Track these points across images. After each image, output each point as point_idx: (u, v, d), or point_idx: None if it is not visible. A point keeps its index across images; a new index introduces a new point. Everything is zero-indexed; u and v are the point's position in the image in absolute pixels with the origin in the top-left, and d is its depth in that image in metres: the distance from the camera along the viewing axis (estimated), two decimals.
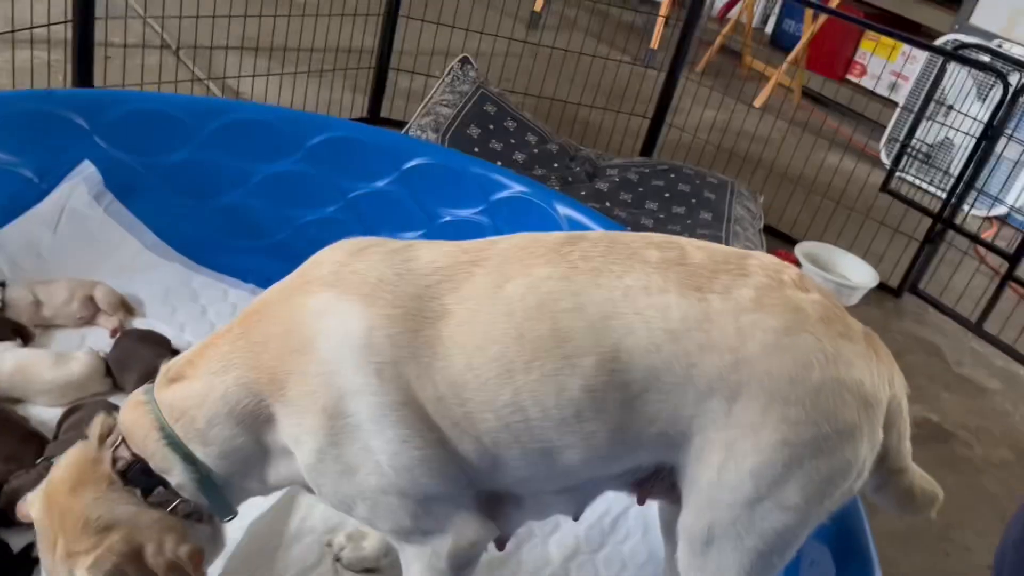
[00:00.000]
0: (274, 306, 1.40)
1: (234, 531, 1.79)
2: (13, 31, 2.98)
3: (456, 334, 1.32)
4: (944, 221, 3.96)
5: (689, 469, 1.38)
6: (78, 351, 2.13)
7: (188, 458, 1.38)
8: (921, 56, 5.44)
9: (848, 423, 1.32)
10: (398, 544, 1.46)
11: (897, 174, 4.38)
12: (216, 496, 1.43)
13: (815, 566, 1.73)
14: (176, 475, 1.39)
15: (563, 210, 2.72)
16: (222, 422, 1.37)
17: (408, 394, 1.31)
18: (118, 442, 1.39)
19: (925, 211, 4.11)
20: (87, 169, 2.51)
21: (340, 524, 1.94)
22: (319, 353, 1.32)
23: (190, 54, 4.03)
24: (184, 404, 1.38)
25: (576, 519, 1.61)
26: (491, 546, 1.96)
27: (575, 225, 2.68)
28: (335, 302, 1.34)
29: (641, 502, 1.58)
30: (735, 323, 1.30)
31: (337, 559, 1.85)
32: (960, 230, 4.02)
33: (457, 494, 1.39)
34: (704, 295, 1.32)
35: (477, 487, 1.41)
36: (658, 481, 1.47)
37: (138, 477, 1.38)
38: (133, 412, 1.41)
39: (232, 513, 1.49)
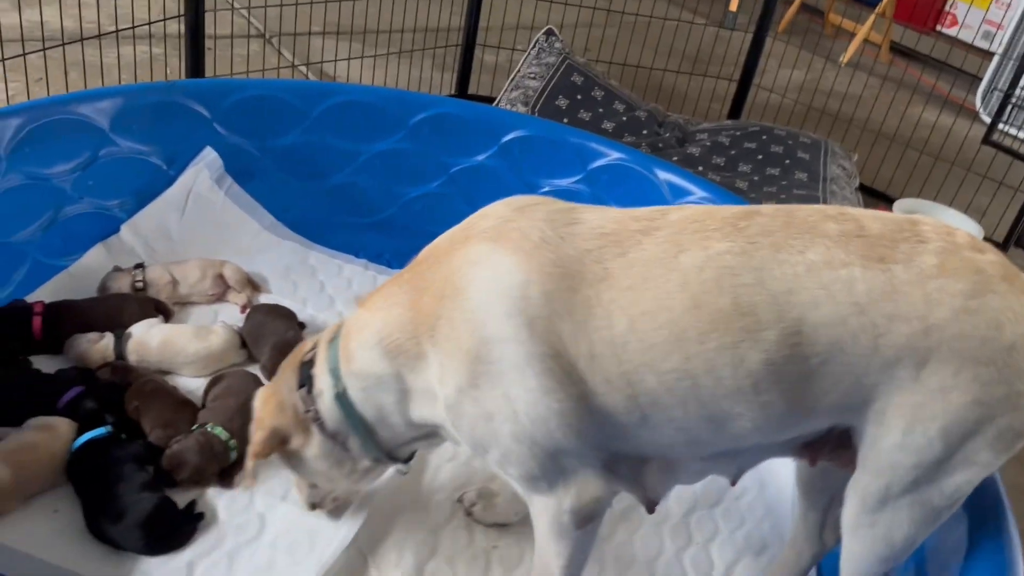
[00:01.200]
0: (438, 254, 1.49)
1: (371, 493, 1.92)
2: (133, 27, 3.15)
3: (619, 298, 1.36)
4: None
5: (868, 431, 1.40)
6: (215, 325, 2.28)
7: (334, 372, 1.57)
8: (1017, 3, 5.21)
9: None
10: (526, 494, 1.53)
11: (1000, 126, 4.23)
12: (353, 416, 1.58)
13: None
14: (320, 380, 1.60)
15: (663, 175, 2.74)
16: (370, 349, 1.51)
17: (558, 348, 1.36)
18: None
19: None
20: (209, 155, 2.65)
21: (468, 481, 2.03)
22: (468, 301, 1.39)
23: (284, 42, 4.17)
24: (350, 326, 1.58)
25: (733, 484, 1.64)
26: (619, 502, 2.03)
27: (676, 190, 2.70)
28: (490, 254, 1.41)
29: (812, 463, 1.60)
30: (922, 290, 1.31)
31: (469, 514, 1.95)
32: None
33: (586, 452, 1.45)
34: (888, 265, 1.33)
35: (614, 448, 1.46)
36: (829, 442, 1.50)
37: (304, 371, 1.64)
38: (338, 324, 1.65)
39: (378, 453, 1.64)
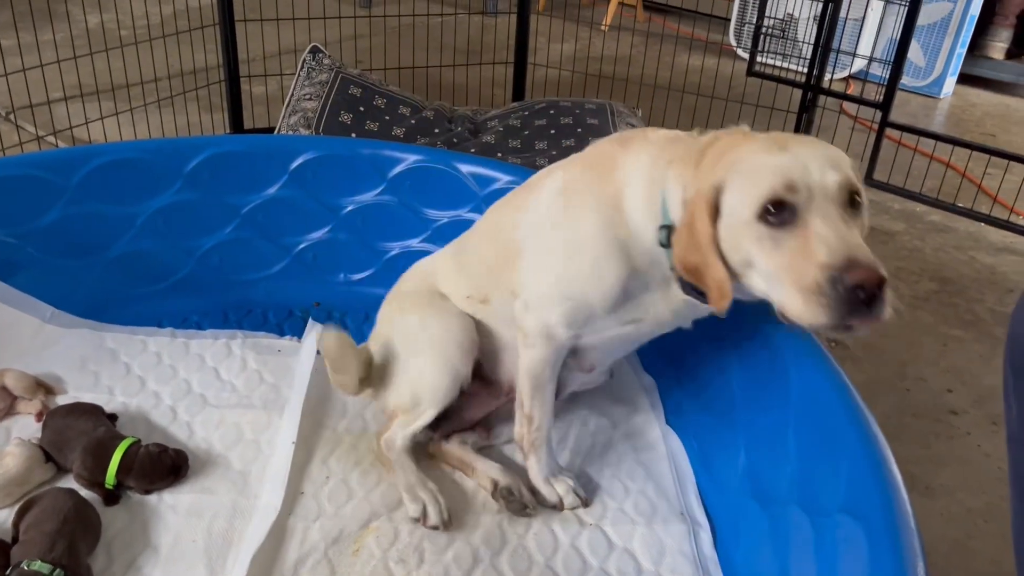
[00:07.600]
0: None
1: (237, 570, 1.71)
2: None
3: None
4: (812, 88, 4.11)
5: None
6: (7, 446, 1.97)
7: None
8: None
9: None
10: None
11: (758, 57, 4.50)
12: None
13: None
14: None
15: (465, 168, 2.66)
16: None
17: None
18: None
19: (793, 83, 4.25)
20: None
21: (340, 536, 1.87)
22: None
23: (22, 115, 3.74)
24: None
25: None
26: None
27: (481, 180, 2.63)
28: None
29: None
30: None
31: None
32: (829, 92, 4.18)
33: None
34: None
35: None
36: None
37: None
38: None
39: None
